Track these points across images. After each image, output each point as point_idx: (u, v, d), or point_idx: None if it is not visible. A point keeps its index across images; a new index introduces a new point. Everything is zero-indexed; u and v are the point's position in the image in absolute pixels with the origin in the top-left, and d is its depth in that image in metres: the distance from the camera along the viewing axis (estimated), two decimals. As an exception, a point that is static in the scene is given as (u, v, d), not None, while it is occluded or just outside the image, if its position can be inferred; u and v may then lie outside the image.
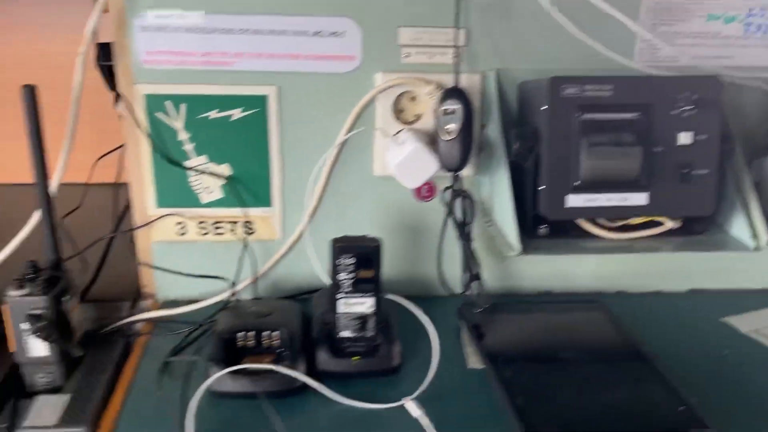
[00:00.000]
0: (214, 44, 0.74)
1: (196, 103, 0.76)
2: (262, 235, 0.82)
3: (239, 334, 0.70)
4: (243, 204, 0.80)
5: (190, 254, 0.82)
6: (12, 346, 0.70)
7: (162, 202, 0.80)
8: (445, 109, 0.71)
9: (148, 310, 0.83)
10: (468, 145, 0.71)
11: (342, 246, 0.68)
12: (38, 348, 0.70)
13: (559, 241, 0.77)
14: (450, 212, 0.78)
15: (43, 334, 0.68)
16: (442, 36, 0.76)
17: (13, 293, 0.68)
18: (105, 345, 0.77)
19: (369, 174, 0.81)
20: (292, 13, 0.74)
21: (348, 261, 0.68)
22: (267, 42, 0.74)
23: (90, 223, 0.85)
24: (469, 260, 0.77)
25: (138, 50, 0.73)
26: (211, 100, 0.76)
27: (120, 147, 0.82)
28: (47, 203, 0.70)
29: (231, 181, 0.79)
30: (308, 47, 0.75)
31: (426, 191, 0.82)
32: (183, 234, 0.81)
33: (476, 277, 0.77)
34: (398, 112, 0.79)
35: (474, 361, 0.74)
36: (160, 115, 0.76)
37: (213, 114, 0.76)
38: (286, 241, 0.82)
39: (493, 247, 0.82)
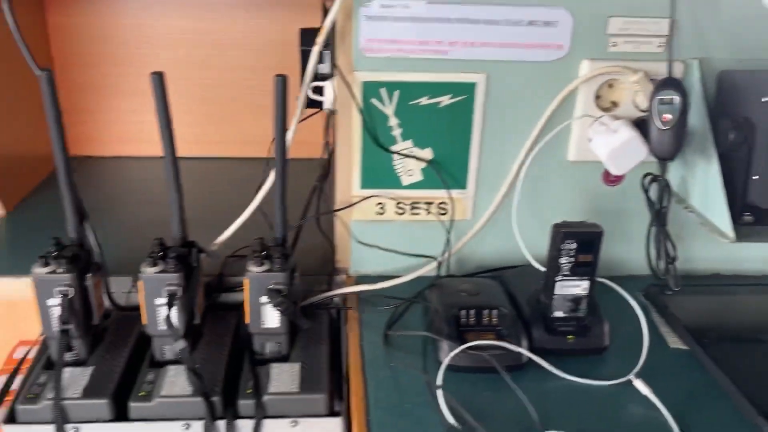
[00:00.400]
0: (431, 33, 0.76)
1: (409, 90, 0.79)
2: (454, 215, 0.86)
3: (462, 312, 0.74)
4: (443, 186, 0.83)
5: (385, 232, 0.86)
6: (247, 317, 0.76)
7: (365, 183, 0.84)
8: (662, 99, 0.73)
9: (344, 284, 0.88)
10: (682, 134, 0.73)
11: (566, 232, 0.71)
12: (272, 320, 0.75)
13: (763, 228, 0.79)
14: (648, 198, 0.80)
15: (282, 307, 0.73)
16: (651, 26, 0.77)
17: (255, 269, 0.73)
18: (312, 317, 0.82)
19: (563, 159, 0.84)
20: (508, 3, 0.76)
21: (570, 246, 0.72)
22: (481, 31, 0.77)
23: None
24: (665, 244, 0.80)
25: (360, 39, 0.76)
26: (422, 87, 0.79)
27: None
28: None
29: (431, 165, 0.83)
30: (520, 36, 0.77)
31: (615, 176, 0.85)
32: (381, 214, 0.85)
33: (672, 260, 0.80)
34: (595, 99, 0.81)
35: (673, 341, 0.77)
36: (374, 102, 0.79)
37: (423, 101, 0.79)
38: (477, 222, 0.86)
39: (681, 231, 0.85)
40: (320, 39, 0.73)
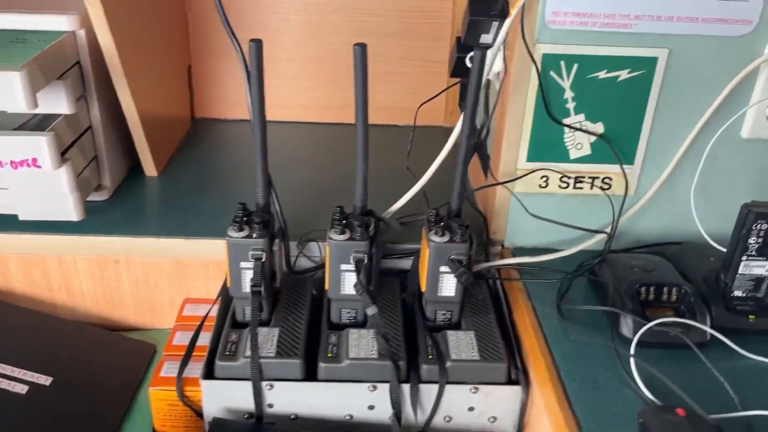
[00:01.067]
0: (618, 6, 0.75)
1: (588, 64, 0.78)
2: (616, 190, 0.86)
3: (642, 288, 0.75)
4: (613, 161, 0.83)
5: (544, 206, 0.87)
6: (423, 285, 0.78)
7: (531, 156, 0.84)
8: None
9: (498, 256, 0.90)
10: None
11: (759, 212, 0.70)
12: (449, 288, 0.77)
13: None
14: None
15: (464, 278, 0.75)
16: None
17: (437, 239, 0.74)
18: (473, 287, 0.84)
19: (737, 136, 0.82)
20: (699, -25, 0.74)
21: (761, 226, 0.71)
22: (668, 4, 0.75)
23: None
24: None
25: (546, 11, 0.76)
26: (602, 61, 0.78)
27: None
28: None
29: (602, 139, 0.82)
30: (708, 10, 0.76)
31: (788, 154, 0.83)
32: (544, 187, 0.86)
33: None
34: (776, 76, 0.79)
35: None
36: (552, 74, 0.79)
37: (601, 74, 0.79)
38: (642, 198, 0.86)
39: None
40: (514, 10, 0.73)
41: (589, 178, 0.85)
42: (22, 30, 0.83)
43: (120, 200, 0.96)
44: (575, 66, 0.78)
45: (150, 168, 1.02)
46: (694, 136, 0.82)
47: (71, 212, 0.85)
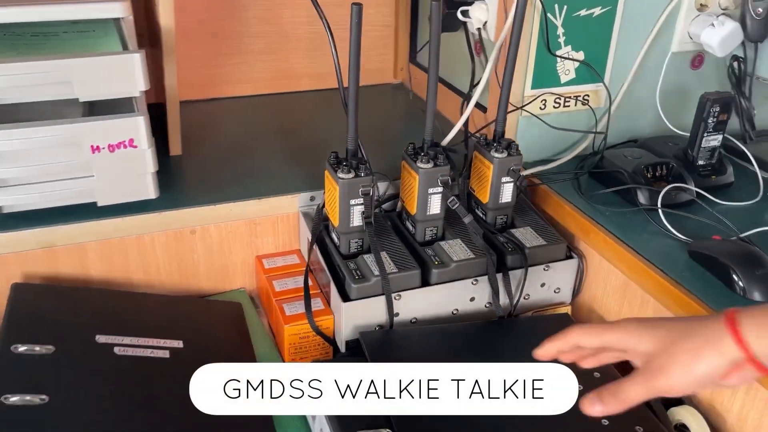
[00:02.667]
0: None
1: (573, 4, 0.99)
2: (593, 103, 1.09)
3: (644, 168, 0.99)
4: (591, 81, 1.06)
5: (541, 124, 1.08)
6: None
7: (534, 84, 1.04)
8: (757, -3, 1.01)
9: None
10: (769, 22, 1.02)
11: (713, 99, 0.97)
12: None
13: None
14: (731, 71, 1.09)
15: (521, 181, 0.93)
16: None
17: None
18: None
19: (666, 50, 1.09)
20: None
21: (715, 109, 0.98)
22: (625, -47, 0.99)
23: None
24: (741, 103, 1.09)
25: (544, -36, 0.95)
26: (583, 1, 1.00)
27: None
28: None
29: (583, 64, 1.05)
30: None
31: (699, 62, 1.12)
32: (543, 109, 1.06)
33: (750, 117, 1.10)
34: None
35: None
36: (549, 15, 0.99)
37: (582, 12, 1.01)
38: (611, 106, 1.10)
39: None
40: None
41: (574, 97, 1.08)
42: (75, 20, 0.84)
43: (169, 178, 1.00)
44: (565, 7, 0.99)
45: (176, 148, 1.06)
46: (644, 55, 1.08)
47: (150, 191, 0.89)
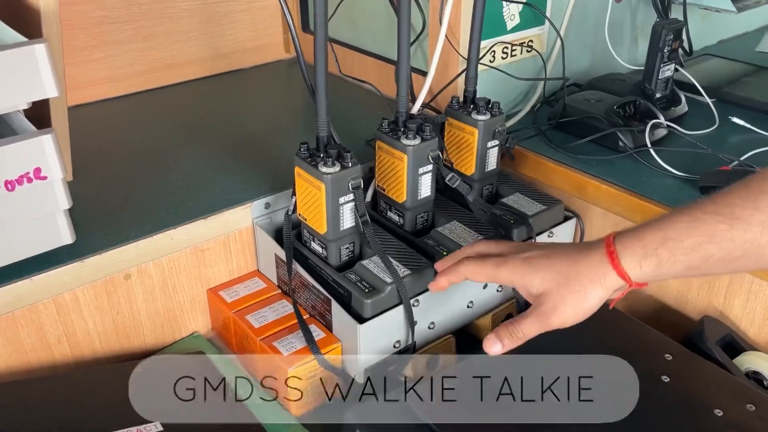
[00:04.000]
0: None
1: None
2: (537, 48, 1.00)
3: (616, 108, 0.92)
4: (533, 25, 0.97)
5: (495, 76, 0.96)
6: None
7: (484, 34, 0.92)
8: None
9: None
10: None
11: (668, 26, 0.92)
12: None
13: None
14: None
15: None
16: None
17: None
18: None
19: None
20: None
21: (669, 37, 0.93)
22: None
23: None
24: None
25: None
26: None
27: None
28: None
29: (526, 5, 0.95)
30: None
31: (623, -7, 1.08)
32: (492, 61, 0.96)
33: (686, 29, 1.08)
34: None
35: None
36: (494, -46, 0.87)
37: (523, -52, 0.91)
38: (551, 53, 1.02)
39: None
40: None
41: (519, 44, 0.98)
42: None
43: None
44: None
45: (67, 172, 0.81)
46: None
47: (65, 234, 0.66)
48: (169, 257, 0.75)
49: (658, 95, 0.98)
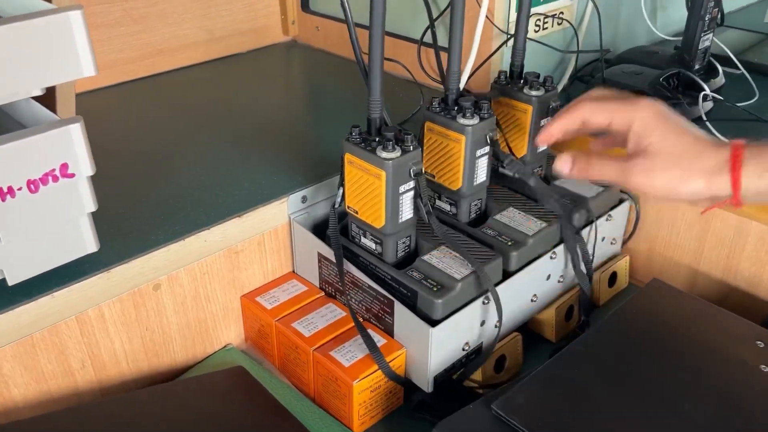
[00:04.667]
0: None
1: None
2: (568, 18, 0.94)
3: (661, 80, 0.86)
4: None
5: (532, 47, 0.90)
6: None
7: (516, 6, 0.86)
8: None
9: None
10: None
11: None
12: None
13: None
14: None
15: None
16: None
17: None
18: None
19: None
20: None
21: (710, 3, 0.88)
22: None
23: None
24: None
25: None
26: None
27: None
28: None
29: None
30: None
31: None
32: (536, 31, 0.89)
33: None
34: None
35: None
36: None
37: None
38: (582, 25, 0.96)
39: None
40: None
41: (551, 16, 0.92)
42: None
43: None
44: None
45: (70, 170, 0.71)
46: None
47: (89, 241, 0.56)
48: (201, 262, 0.66)
49: (696, 66, 0.93)
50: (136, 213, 0.68)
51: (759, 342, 0.64)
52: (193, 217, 0.66)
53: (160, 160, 0.79)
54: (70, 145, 0.48)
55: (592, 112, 0.58)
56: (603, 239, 0.79)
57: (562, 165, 0.58)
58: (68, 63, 0.43)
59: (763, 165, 0.50)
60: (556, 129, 0.61)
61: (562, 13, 0.94)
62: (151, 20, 1.00)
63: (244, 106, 0.95)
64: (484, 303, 0.64)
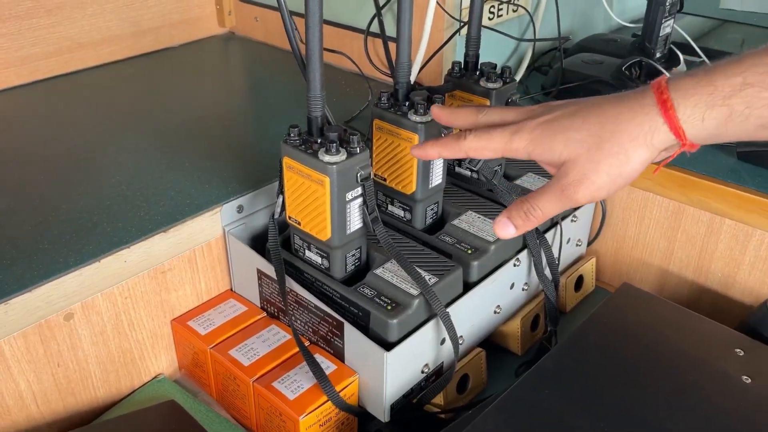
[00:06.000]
0: None
1: None
2: (523, 6, 0.88)
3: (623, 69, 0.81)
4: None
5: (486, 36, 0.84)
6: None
7: (469, -8, 0.80)
8: None
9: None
10: None
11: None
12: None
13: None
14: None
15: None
16: None
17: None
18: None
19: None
20: None
21: None
22: None
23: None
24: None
25: None
26: None
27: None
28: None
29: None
30: None
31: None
32: (491, 19, 0.83)
33: None
34: None
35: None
36: None
37: None
38: (538, 12, 0.91)
39: None
40: None
41: (505, 3, 0.86)
42: None
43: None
44: None
45: (-34, 183, 0.61)
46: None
47: (-21, 270, 0.47)
48: (121, 285, 0.57)
49: (657, 54, 0.89)
50: (43, 231, 0.58)
51: (738, 350, 0.60)
52: (110, 233, 0.58)
53: (75, 166, 0.70)
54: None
55: (477, 150, 0.49)
56: (568, 241, 0.74)
57: (504, 230, 0.48)
58: None
59: (701, 106, 0.41)
60: (432, 152, 0.52)
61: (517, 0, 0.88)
62: (68, 10, 0.90)
63: (174, 105, 0.86)
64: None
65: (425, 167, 0.62)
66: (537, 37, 0.90)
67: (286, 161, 0.56)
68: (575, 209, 0.73)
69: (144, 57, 1.00)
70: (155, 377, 0.64)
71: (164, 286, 0.61)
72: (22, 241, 0.57)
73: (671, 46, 0.91)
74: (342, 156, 0.53)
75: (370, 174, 0.56)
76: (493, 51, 0.87)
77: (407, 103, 0.61)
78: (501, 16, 0.86)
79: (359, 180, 0.55)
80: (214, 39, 1.08)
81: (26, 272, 0.53)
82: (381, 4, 0.84)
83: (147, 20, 0.99)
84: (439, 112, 0.54)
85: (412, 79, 0.70)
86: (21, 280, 0.52)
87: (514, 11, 0.88)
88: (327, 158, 0.53)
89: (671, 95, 0.42)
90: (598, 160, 0.44)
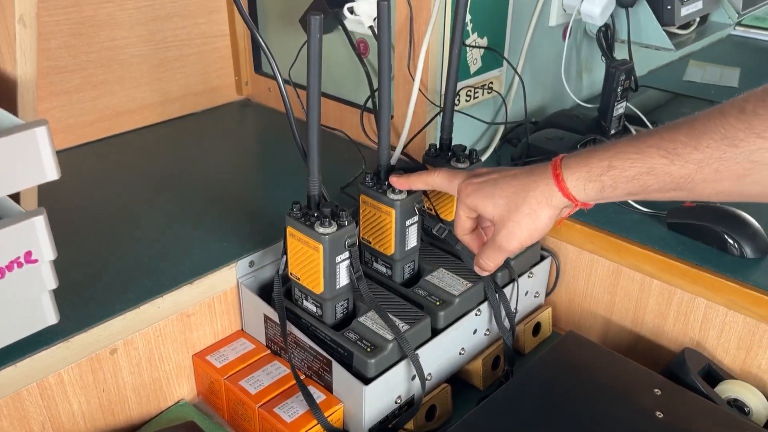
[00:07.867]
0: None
1: (476, -12, 0.92)
2: (496, 89, 1.03)
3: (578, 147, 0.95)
4: (493, 67, 1.00)
5: (460, 118, 0.98)
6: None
7: (448, 79, 0.94)
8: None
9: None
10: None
11: (621, 67, 0.97)
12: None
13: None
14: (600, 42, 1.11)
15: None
16: None
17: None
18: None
19: (546, 26, 1.07)
20: None
21: (622, 77, 0.98)
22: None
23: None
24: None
25: (451, -53, 0.85)
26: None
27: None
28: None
29: (487, 50, 0.98)
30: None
31: (564, 34, 1.13)
32: (457, 104, 0.98)
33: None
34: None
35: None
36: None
37: (484, -5, 0.93)
38: (510, 90, 1.05)
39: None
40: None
41: (480, 87, 1.01)
42: None
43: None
44: (469, -8, 0.91)
45: (31, 240, 0.76)
46: (531, 35, 1.05)
47: (49, 314, 0.61)
48: (155, 326, 0.72)
49: (612, 131, 1.03)
50: (95, 282, 0.73)
51: (657, 390, 0.73)
52: (148, 285, 0.72)
53: (118, 224, 0.84)
54: (34, 234, 0.54)
55: (442, 184, 0.69)
56: (527, 293, 0.88)
57: (479, 272, 0.67)
58: (34, 170, 0.49)
59: (582, 180, 0.57)
60: (404, 184, 0.72)
61: (491, 83, 1.03)
62: (110, 85, 1.06)
63: (196, 167, 1.01)
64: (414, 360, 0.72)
65: (401, 234, 0.76)
66: (508, 117, 1.05)
67: (289, 230, 0.70)
68: (532, 266, 0.87)
69: (172, 121, 1.16)
70: (178, 402, 0.78)
71: (188, 327, 0.75)
72: (78, 290, 0.71)
73: (626, 123, 1.06)
74: (333, 228, 0.67)
75: (356, 242, 0.70)
76: (470, 128, 1.02)
77: (387, 183, 0.76)
78: (477, 98, 1.01)
79: (347, 246, 0.69)
80: (231, 105, 1.24)
81: (83, 317, 0.67)
82: (374, 88, 1.00)
83: (175, 90, 1.15)
84: (396, 180, 0.73)
85: (395, 160, 0.85)
86: (79, 323, 0.66)
87: (488, 93, 1.03)
88: (321, 230, 0.67)
89: (562, 171, 0.58)
90: (518, 220, 0.61)
